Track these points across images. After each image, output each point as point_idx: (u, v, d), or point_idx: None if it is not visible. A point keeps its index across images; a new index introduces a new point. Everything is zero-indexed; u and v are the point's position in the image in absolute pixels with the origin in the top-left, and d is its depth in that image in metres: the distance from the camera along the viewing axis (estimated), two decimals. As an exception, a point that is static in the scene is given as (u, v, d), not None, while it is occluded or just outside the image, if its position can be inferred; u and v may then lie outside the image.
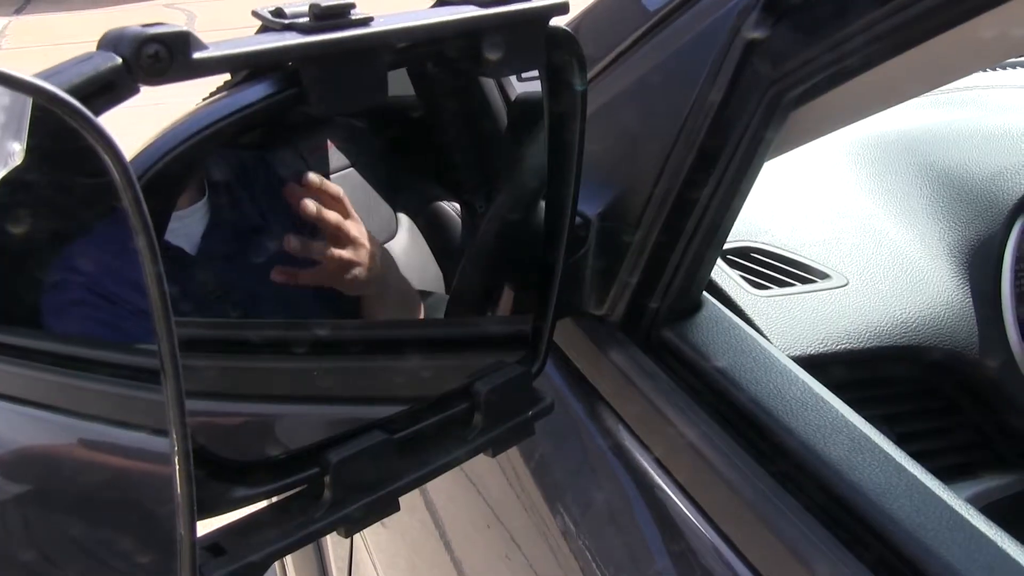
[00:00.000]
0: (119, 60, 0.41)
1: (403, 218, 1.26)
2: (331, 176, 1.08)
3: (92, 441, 0.67)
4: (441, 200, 1.32)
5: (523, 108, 1.40)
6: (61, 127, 0.43)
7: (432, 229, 1.28)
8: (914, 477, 0.63)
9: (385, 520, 1.33)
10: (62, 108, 0.35)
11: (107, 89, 0.40)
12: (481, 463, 0.96)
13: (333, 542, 1.67)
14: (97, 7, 10.87)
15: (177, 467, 0.41)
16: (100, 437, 0.66)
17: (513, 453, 0.88)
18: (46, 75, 0.39)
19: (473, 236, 1.06)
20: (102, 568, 0.67)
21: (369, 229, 1.20)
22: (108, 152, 0.35)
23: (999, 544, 0.57)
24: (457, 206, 1.31)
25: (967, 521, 0.59)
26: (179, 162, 0.47)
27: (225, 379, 0.66)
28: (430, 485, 1.09)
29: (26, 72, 0.36)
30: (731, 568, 0.65)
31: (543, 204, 0.91)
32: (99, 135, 0.35)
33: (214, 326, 0.71)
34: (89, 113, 0.35)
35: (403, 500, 1.15)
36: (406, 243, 1.24)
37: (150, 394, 0.65)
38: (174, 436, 0.41)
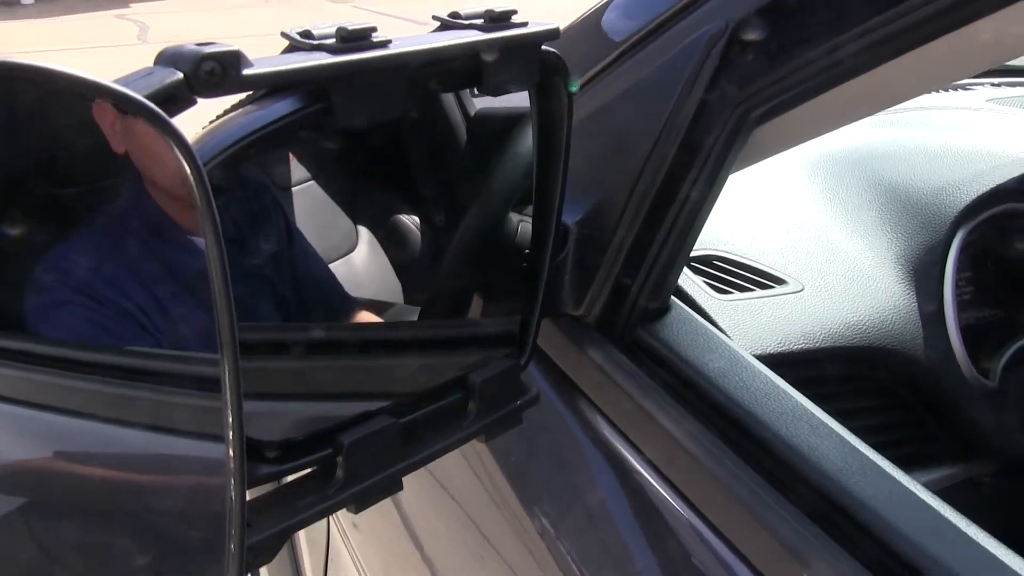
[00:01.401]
0: (180, 75, 0.46)
1: (363, 231, 1.29)
2: (293, 189, 1.12)
3: (88, 440, 0.71)
4: (401, 213, 1.36)
5: (483, 123, 1.46)
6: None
7: (392, 241, 1.32)
8: (867, 458, 0.70)
9: (358, 523, 1.37)
10: (146, 114, 0.40)
11: (170, 100, 0.46)
12: (456, 462, 1.01)
13: (309, 549, 1.69)
14: (46, 16, 10.80)
15: (231, 446, 0.46)
16: (95, 436, 0.70)
17: (494, 445, 0.93)
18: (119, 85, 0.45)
19: (443, 248, 1.10)
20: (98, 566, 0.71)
21: (330, 242, 1.23)
22: (183, 153, 0.41)
23: (941, 512, 0.64)
24: (416, 219, 1.35)
25: (914, 494, 0.66)
26: (219, 169, 0.52)
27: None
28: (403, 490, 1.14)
29: (109, 81, 0.41)
30: (704, 539, 0.71)
31: (511, 215, 0.97)
32: (177, 139, 0.41)
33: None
34: (167, 117, 0.41)
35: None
36: (366, 255, 1.27)
37: (145, 393, 0.70)
38: (229, 414, 0.46)
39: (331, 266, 1.14)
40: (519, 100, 0.76)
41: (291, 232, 0.95)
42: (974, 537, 0.62)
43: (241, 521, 0.51)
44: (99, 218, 0.71)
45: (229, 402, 0.45)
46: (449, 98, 1.44)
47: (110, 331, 0.69)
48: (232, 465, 0.49)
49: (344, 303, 0.98)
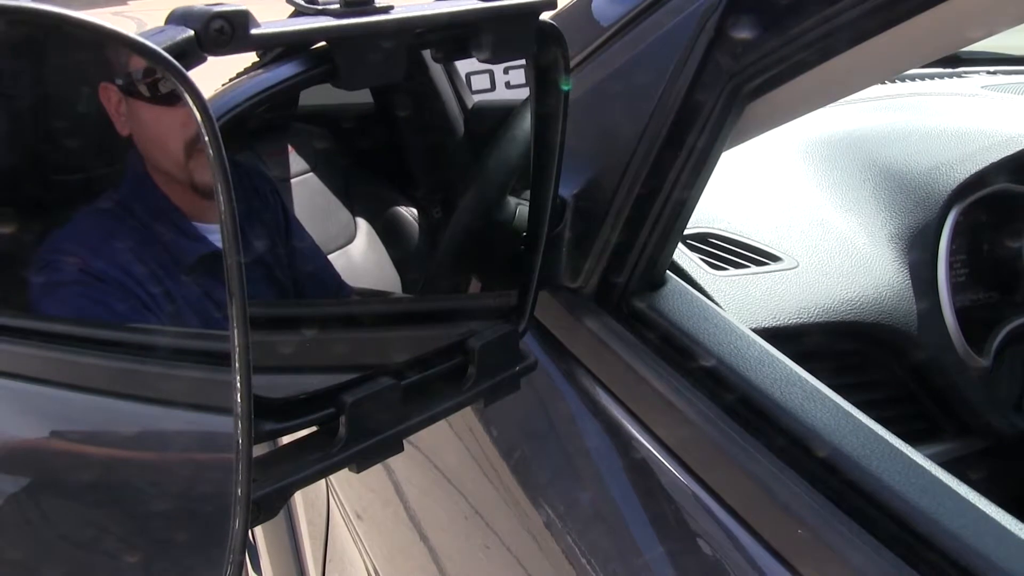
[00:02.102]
0: (191, 32, 0.48)
1: (361, 223, 1.30)
2: (292, 180, 1.13)
3: (90, 414, 0.72)
4: (399, 205, 1.37)
5: (480, 116, 1.47)
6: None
7: (390, 233, 1.33)
8: (859, 421, 0.72)
9: (362, 513, 1.38)
10: (162, 64, 0.42)
11: (181, 56, 0.47)
12: (451, 439, 1.02)
13: (310, 534, 1.70)
14: (44, 13, 10.78)
15: (239, 394, 0.48)
16: (96, 410, 0.71)
17: (491, 415, 0.95)
18: (134, 40, 0.46)
19: (442, 234, 1.11)
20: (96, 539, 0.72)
21: (328, 233, 1.23)
22: (196, 103, 0.42)
23: (932, 471, 0.66)
24: (414, 211, 1.36)
25: (904, 454, 0.68)
26: (230, 125, 0.53)
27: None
28: (403, 475, 1.15)
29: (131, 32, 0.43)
30: (698, 499, 0.72)
31: (508, 199, 0.99)
32: (191, 89, 0.42)
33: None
34: (182, 67, 0.42)
35: (376, 491, 1.21)
36: (364, 246, 1.28)
37: (148, 367, 0.71)
38: (237, 362, 0.47)
39: (329, 257, 1.15)
40: (516, 94, 0.77)
41: (289, 222, 0.96)
42: (966, 496, 0.64)
43: (248, 474, 0.53)
44: (103, 201, 0.72)
45: (237, 345, 0.46)
46: (447, 91, 1.44)
47: (113, 309, 0.70)
48: (240, 419, 0.50)
49: (340, 292, 1.00)
